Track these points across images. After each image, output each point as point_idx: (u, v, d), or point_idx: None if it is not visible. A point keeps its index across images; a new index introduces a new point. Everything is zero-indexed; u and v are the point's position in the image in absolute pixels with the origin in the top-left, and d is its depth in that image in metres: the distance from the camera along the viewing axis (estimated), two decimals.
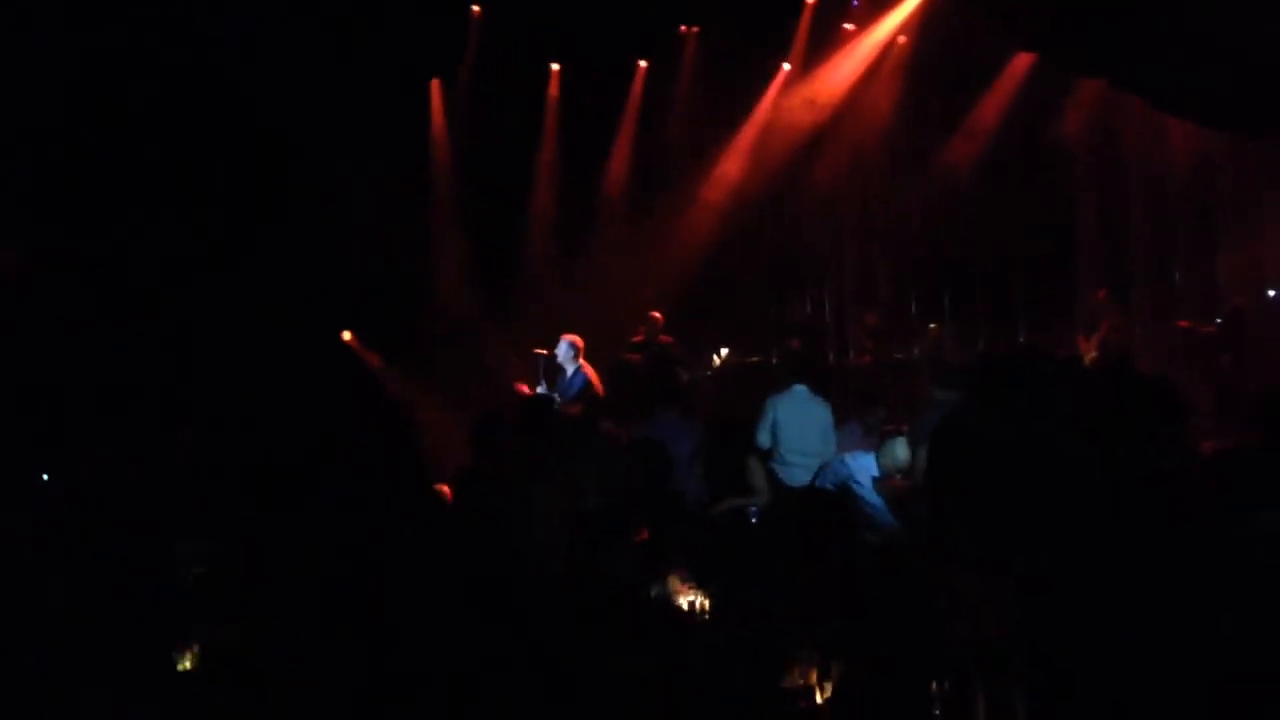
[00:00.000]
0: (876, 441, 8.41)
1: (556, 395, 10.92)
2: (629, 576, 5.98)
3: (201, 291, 12.14)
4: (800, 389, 9.47)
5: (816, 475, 8.53)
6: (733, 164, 15.20)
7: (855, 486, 8.05)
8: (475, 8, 14.39)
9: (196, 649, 5.60)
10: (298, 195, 12.94)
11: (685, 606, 5.98)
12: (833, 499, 7.68)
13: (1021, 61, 14.74)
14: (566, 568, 5.95)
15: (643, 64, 15.16)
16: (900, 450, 8.57)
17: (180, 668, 5.55)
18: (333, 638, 5.23)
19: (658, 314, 13.29)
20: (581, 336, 11.36)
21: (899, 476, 8.37)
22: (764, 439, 9.25)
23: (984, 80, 14.93)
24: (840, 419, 9.52)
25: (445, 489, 7.88)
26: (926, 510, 6.04)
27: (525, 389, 11.30)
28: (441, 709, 4.56)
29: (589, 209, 14.92)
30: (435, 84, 14.72)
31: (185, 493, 7.68)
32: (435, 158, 14.73)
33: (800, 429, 9.23)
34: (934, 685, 4.66)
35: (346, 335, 13.49)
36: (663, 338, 13.24)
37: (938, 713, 4.64)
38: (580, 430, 8.07)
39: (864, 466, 8.41)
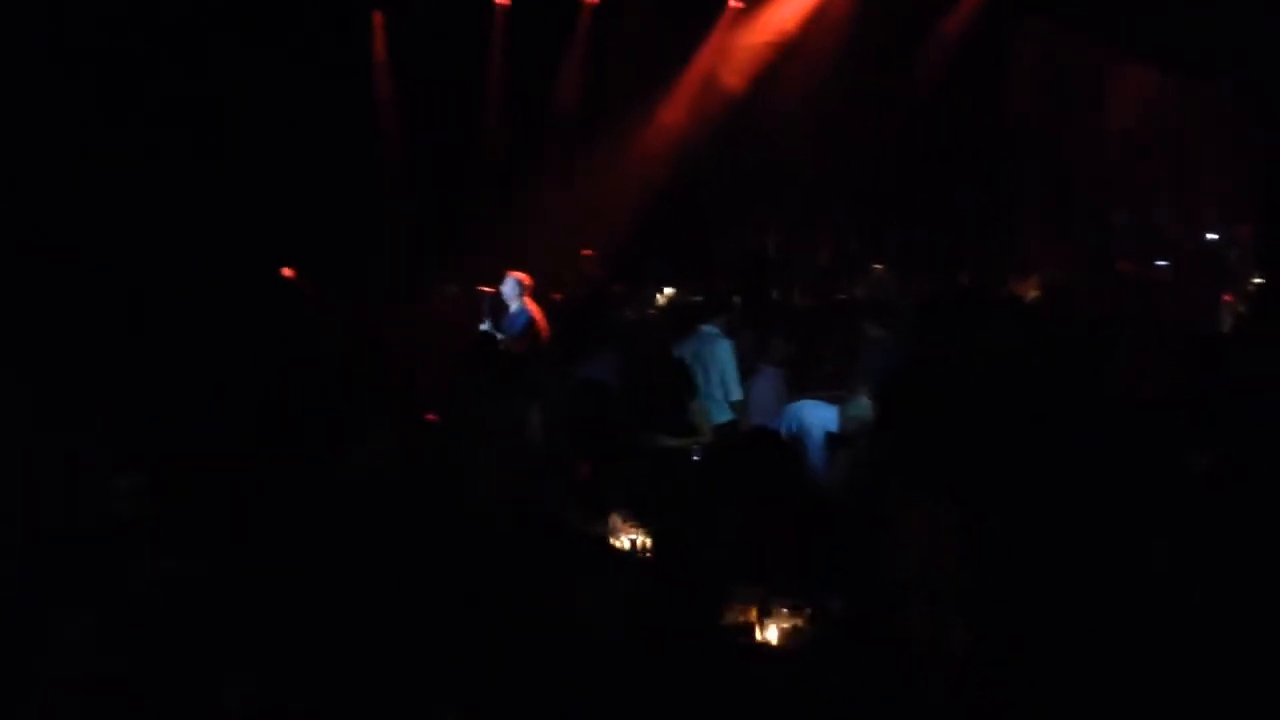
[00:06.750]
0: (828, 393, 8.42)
1: (500, 333, 10.86)
2: (570, 515, 5.98)
3: (137, 227, 11.91)
4: (707, 330, 9.48)
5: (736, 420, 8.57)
6: (680, 100, 15.14)
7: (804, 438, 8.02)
8: None
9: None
10: (239, 130, 12.72)
11: (626, 545, 5.97)
12: (778, 439, 7.69)
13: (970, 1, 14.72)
14: (508, 506, 5.93)
15: None
16: (867, 407, 8.51)
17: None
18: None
19: (589, 251, 13.17)
20: (528, 274, 11.27)
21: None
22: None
23: (932, 21, 14.89)
24: (766, 361, 9.56)
25: None
26: (870, 446, 6.07)
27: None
28: (381, 643, 4.55)
29: (535, 145, 14.79)
30: (377, 17, 14.50)
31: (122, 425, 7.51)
32: (378, 93, 14.54)
33: (706, 371, 9.24)
34: (875, 622, 4.69)
35: (287, 271, 13.29)
36: (594, 270, 13.08)
37: (878, 649, 4.67)
38: (523, 368, 8.04)
39: (821, 420, 8.35)
